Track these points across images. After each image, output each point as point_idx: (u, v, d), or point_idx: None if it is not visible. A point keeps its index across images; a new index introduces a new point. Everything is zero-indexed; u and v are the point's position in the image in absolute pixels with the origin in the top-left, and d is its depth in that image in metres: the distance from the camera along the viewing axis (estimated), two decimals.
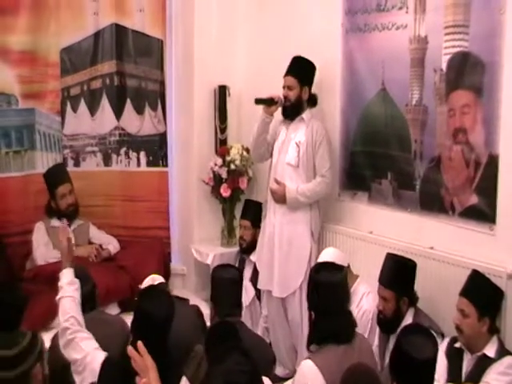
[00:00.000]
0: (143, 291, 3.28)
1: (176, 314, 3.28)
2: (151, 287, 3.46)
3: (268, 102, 4.47)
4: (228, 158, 5.10)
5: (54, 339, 3.55)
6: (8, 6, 5.08)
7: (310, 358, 3.05)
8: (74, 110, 5.53)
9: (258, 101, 4.51)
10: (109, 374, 3.05)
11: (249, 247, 4.86)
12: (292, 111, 4.44)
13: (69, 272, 3.41)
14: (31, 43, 5.22)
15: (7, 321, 3.23)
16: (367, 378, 2.69)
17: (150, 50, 5.54)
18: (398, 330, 3.52)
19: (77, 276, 3.62)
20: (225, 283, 3.50)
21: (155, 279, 3.93)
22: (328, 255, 3.99)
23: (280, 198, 4.39)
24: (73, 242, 3.80)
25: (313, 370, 2.98)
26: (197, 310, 3.86)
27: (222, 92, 5.27)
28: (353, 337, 3.11)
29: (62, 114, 5.49)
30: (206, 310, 3.96)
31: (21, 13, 5.14)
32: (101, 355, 3.11)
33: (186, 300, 4.79)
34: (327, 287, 3.12)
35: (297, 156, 4.38)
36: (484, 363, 3.19)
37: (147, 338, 2.97)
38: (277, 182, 4.42)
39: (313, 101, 4.48)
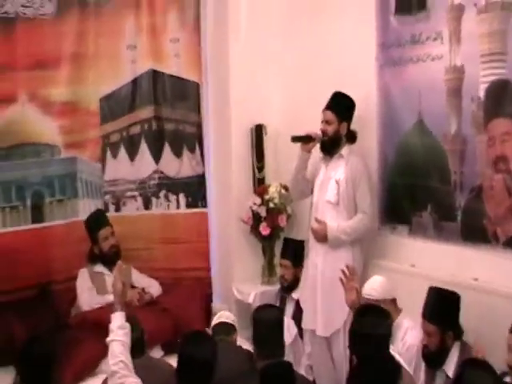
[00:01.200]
0: (186, 335, 3.30)
1: (226, 356, 3.30)
2: (194, 332, 3.43)
3: (305, 140, 4.49)
4: (266, 197, 5.12)
5: None
6: (50, 60, 5.18)
7: None
8: (114, 156, 5.59)
9: (295, 138, 4.53)
10: None
11: (290, 286, 4.82)
12: (330, 146, 4.43)
13: (120, 315, 3.42)
14: (72, 94, 5.32)
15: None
16: None
17: (187, 93, 5.60)
18: (444, 365, 3.53)
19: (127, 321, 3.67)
20: (267, 325, 3.48)
21: (222, 316, 3.98)
22: (375, 283, 3.96)
23: (321, 237, 4.37)
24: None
25: None
26: (248, 354, 3.80)
27: (258, 131, 5.32)
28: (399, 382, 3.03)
29: (103, 160, 5.55)
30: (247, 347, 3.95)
31: (61, 66, 5.24)
32: None
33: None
34: (371, 338, 3.04)
35: (336, 193, 4.35)
36: None
37: (190, 381, 3.04)
38: (317, 221, 4.39)
39: (352, 137, 4.45)
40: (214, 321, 3.96)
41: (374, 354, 3.02)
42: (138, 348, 3.63)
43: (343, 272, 3.81)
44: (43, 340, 3.50)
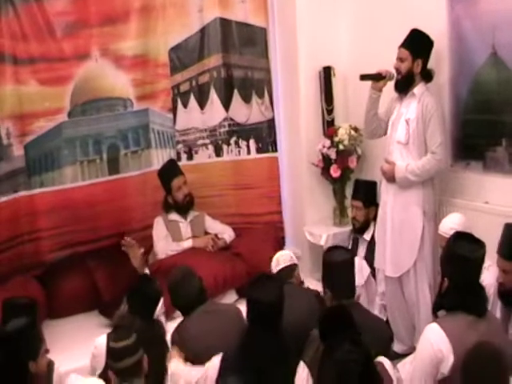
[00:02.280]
0: (252, 279, 3.36)
1: (294, 298, 3.42)
2: (259, 275, 3.46)
3: (374, 78, 4.45)
4: (336, 139, 5.09)
5: (173, 336, 3.69)
6: (119, 15, 5.25)
7: (436, 322, 3.00)
8: (185, 105, 5.64)
9: (364, 76, 4.49)
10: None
11: (362, 227, 4.85)
12: (403, 84, 4.33)
13: None
14: (142, 47, 5.38)
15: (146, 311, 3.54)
16: (492, 361, 2.58)
17: (254, 39, 5.58)
18: None
19: (181, 276, 3.85)
20: (338, 266, 3.47)
21: (279, 262, 3.99)
22: (454, 223, 3.89)
23: (390, 178, 4.34)
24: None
25: (438, 333, 2.92)
26: (316, 295, 3.85)
27: (327, 73, 5.25)
28: (484, 313, 3.03)
29: (174, 110, 5.62)
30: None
31: (130, 19, 5.29)
32: None
33: (301, 282, 4.84)
34: (468, 262, 3.04)
35: (406, 133, 4.28)
36: None
37: (260, 324, 3.14)
38: (387, 161, 4.35)
39: (428, 75, 4.33)
40: (274, 268, 3.99)
41: (468, 275, 3.02)
42: (199, 296, 3.74)
43: None
44: (152, 280, 3.75)
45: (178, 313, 4.31)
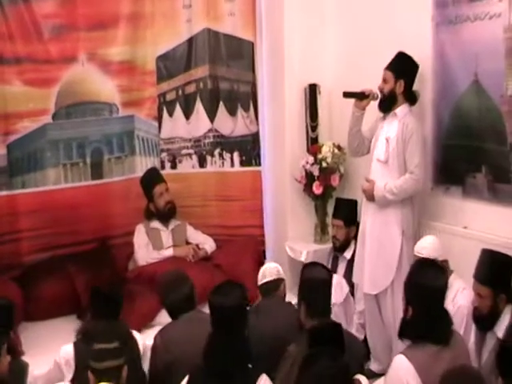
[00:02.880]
0: (216, 286, 3.41)
1: (276, 312, 3.47)
2: (224, 282, 3.54)
3: (357, 96, 4.48)
4: (320, 156, 5.09)
5: (156, 338, 3.70)
6: (108, 21, 5.28)
7: (403, 354, 3.03)
8: (170, 114, 5.68)
9: (347, 94, 4.53)
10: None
11: (342, 246, 4.86)
12: (385, 104, 4.37)
13: None
14: (129, 54, 5.40)
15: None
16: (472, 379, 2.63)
17: (242, 52, 5.60)
18: (495, 327, 3.44)
19: (175, 278, 3.86)
20: (316, 283, 3.48)
21: (279, 270, 4.01)
22: (427, 243, 3.95)
23: (370, 196, 4.35)
24: None
25: (407, 366, 2.96)
26: (293, 309, 3.84)
27: (312, 90, 5.25)
28: (450, 338, 3.07)
29: (159, 119, 5.66)
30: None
31: (119, 26, 5.32)
32: None
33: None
34: (430, 291, 3.08)
35: (386, 151, 4.31)
36: None
37: (222, 329, 3.17)
38: (367, 180, 4.38)
39: (412, 97, 4.37)
40: (260, 281, 3.98)
41: (431, 304, 3.05)
42: (188, 303, 3.77)
43: None
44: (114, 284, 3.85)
45: (159, 319, 4.49)
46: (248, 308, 3.57)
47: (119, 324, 3.62)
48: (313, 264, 3.76)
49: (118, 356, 2.99)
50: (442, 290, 3.13)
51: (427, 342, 3.02)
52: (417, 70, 4.36)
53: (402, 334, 3.19)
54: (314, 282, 3.48)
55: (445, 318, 3.13)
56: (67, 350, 3.51)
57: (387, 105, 4.36)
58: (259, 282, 3.97)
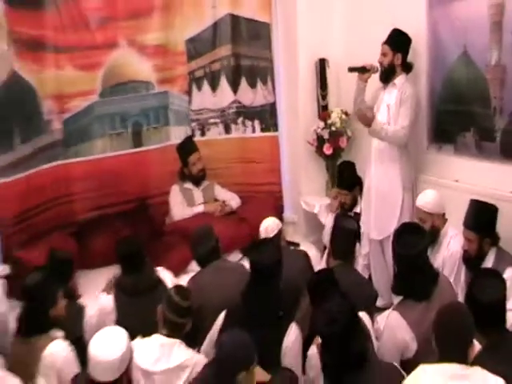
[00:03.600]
0: (253, 244, 3.41)
1: (287, 259, 3.37)
2: (261, 240, 3.54)
3: (360, 70, 4.45)
4: (329, 121, 5.10)
5: (188, 284, 3.71)
6: (143, 10, 5.28)
7: (396, 310, 3.09)
8: (199, 89, 5.65)
9: (351, 69, 4.49)
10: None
11: (351, 207, 4.80)
12: (385, 75, 4.36)
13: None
14: (163, 38, 5.40)
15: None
16: (464, 315, 2.60)
17: (259, 33, 5.52)
18: (482, 266, 3.51)
19: (201, 234, 3.86)
20: (343, 232, 3.58)
21: (276, 222, 4.06)
22: (430, 199, 3.96)
23: (366, 122, 4.27)
24: None
25: (399, 322, 3.01)
26: (304, 255, 3.91)
27: (322, 64, 5.24)
28: (431, 293, 3.07)
29: (189, 93, 5.63)
30: (312, 252, 4.07)
31: (153, 14, 5.32)
32: None
33: (297, 244, 4.84)
34: (408, 257, 3.11)
35: (387, 116, 4.31)
36: None
37: (260, 284, 3.11)
38: (372, 110, 4.36)
39: (408, 67, 4.37)
40: (269, 234, 3.98)
41: (409, 269, 3.10)
42: (214, 253, 3.80)
43: None
44: (133, 239, 3.79)
45: (192, 267, 4.45)
46: None
47: (146, 275, 3.65)
48: (344, 216, 3.89)
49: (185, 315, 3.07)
50: (420, 254, 3.13)
51: (411, 298, 3.06)
52: (410, 43, 4.34)
53: (394, 290, 3.26)
54: (342, 230, 3.58)
55: (427, 276, 3.13)
56: (107, 301, 3.56)
57: (387, 76, 4.35)
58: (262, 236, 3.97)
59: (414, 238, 3.15)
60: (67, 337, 3.13)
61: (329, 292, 2.84)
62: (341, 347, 2.49)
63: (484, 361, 2.50)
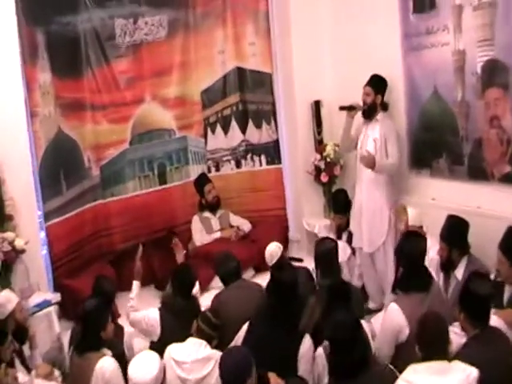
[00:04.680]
0: (277, 264, 3.50)
1: None
2: (283, 262, 3.65)
3: (348, 108, 4.55)
4: (325, 154, 5.19)
5: (213, 301, 3.78)
6: (165, 69, 5.46)
7: (395, 302, 3.16)
8: (213, 132, 5.76)
9: (342, 108, 4.61)
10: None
11: (345, 227, 4.84)
12: (368, 112, 4.46)
13: (136, 284, 3.85)
14: (181, 91, 5.55)
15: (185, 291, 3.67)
16: (437, 322, 2.70)
17: (263, 82, 5.65)
18: (456, 272, 3.62)
19: (225, 257, 3.94)
20: (326, 253, 3.61)
21: (279, 247, 4.13)
22: (412, 211, 4.06)
23: (368, 163, 4.30)
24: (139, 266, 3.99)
25: (397, 311, 3.09)
26: (307, 271, 3.94)
27: (317, 105, 5.35)
28: (429, 289, 3.16)
29: (205, 136, 5.74)
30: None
31: (173, 72, 5.49)
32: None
33: (301, 259, 4.88)
34: (414, 256, 3.21)
35: (374, 148, 4.40)
36: None
37: (280, 298, 3.14)
38: (367, 151, 4.39)
39: (385, 106, 4.51)
40: (270, 262, 4.05)
41: (416, 265, 3.21)
42: (236, 274, 3.86)
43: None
44: (190, 268, 3.84)
45: (212, 285, 4.56)
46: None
47: (193, 302, 3.71)
48: (322, 238, 3.89)
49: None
50: (422, 255, 3.26)
51: (414, 291, 3.12)
52: (387, 85, 4.48)
53: (395, 289, 3.32)
54: (324, 251, 3.61)
55: (425, 273, 3.23)
56: (154, 315, 3.55)
57: (370, 113, 4.46)
58: (269, 263, 4.05)
59: (417, 240, 3.30)
60: (113, 354, 3.20)
61: (338, 306, 2.91)
62: (346, 352, 2.57)
63: (471, 347, 2.69)
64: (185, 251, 4.50)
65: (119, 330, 3.53)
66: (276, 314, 3.16)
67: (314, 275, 3.66)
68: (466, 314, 2.78)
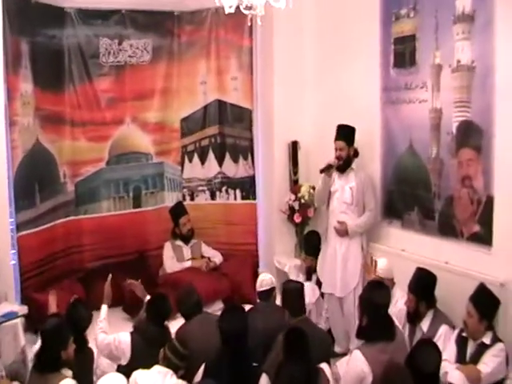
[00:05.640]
0: (223, 311, 3.41)
1: (268, 314, 3.51)
2: (231, 307, 3.56)
3: (327, 169, 4.50)
4: (299, 194, 5.19)
5: (175, 335, 3.63)
6: (147, 93, 5.52)
7: (359, 349, 3.19)
8: (190, 161, 5.81)
9: (322, 170, 4.53)
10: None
11: (314, 269, 4.81)
12: (344, 166, 4.51)
13: (104, 308, 3.84)
14: (161, 117, 5.61)
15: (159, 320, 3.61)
16: (400, 373, 2.75)
17: (242, 117, 5.68)
18: (421, 323, 3.67)
19: (186, 291, 3.86)
20: (293, 294, 3.63)
21: (262, 285, 4.02)
22: (383, 265, 4.08)
23: (343, 233, 4.47)
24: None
25: (361, 359, 3.12)
26: (280, 309, 3.84)
27: (294, 146, 5.38)
28: (392, 338, 3.20)
29: (182, 164, 5.79)
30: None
31: (155, 97, 5.56)
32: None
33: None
34: (379, 306, 3.25)
35: (351, 196, 4.47)
36: (482, 348, 3.28)
37: (228, 346, 3.13)
38: (339, 222, 4.47)
39: (356, 153, 4.54)
40: (258, 288, 4.02)
41: (379, 315, 3.22)
42: (197, 308, 3.82)
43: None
44: (166, 298, 3.76)
45: (179, 314, 4.32)
46: (247, 309, 3.60)
47: (163, 329, 3.65)
48: (289, 281, 3.93)
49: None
50: (386, 305, 3.29)
51: (378, 340, 3.15)
52: (355, 132, 4.47)
53: (359, 336, 3.34)
54: (291, 293, 3.62)
55: (389, 323, 3.26)
56: (125, 339, 3.50)
57: (346, 166, 4.50)
58: (258, 289, 4.02)
59: (382, 292, 3.32)
60: (75, 377, 3.12)
61: (299, 349, 2.92)
62: None
63: None
64: (142, 287, 4.33)
65: (89, 353, 3.47)
66: (228, 361, 3.15)
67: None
68: None
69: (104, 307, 3.84)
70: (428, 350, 2.84)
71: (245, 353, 3.16)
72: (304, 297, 3.68)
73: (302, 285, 3.83)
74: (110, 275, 4.06)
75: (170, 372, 3.13)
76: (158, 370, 3.12)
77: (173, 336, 3.69)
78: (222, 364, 3.16)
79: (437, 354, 2.84)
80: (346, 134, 4.49)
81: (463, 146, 3.91)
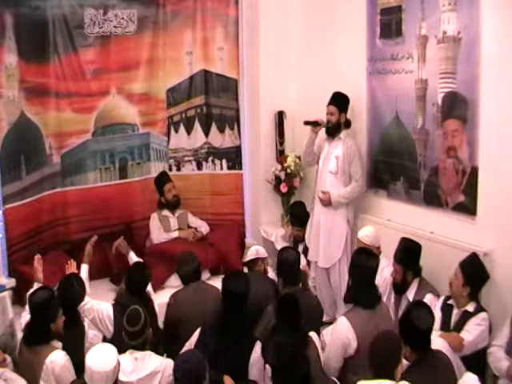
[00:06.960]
0: (228, 273, 3.42)
1: (255, 283, 3.44)
2: (234, 271, 3.59)
3: (314, 124, 4.55)
4: (285, 164, 5.20)
5: (171, 298, 3.74)
6: (132, 64, 5.39)
7: (345, 316, 3.21)
8: (176, 131, 5.71)
9: (306, 122, 4.61)
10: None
11: (301, 239, 4.89)
12: (333, 131, 4.49)
13: (85, 267, 3.88)
14: (147, 87, 5.49)
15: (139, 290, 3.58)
16: (389, 342, 2.73)
17: (228, 87, 5.62)
18: (407, 293, 3.69)
19: (187, 257, 3.86)
20: (288, 262, 3.61)
21: (259, 251, 4.07)
22: (369, 233, 4.09)
23: (327, 203, 4.48)
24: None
25: (346, 325, 3.15)
26: (273, 283, 3.90)
27: (280, 116, 5.37)
28: (376, 305, 3.23)
29: (168, 134, 5.69)
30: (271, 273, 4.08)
31: (140, 67, 5.43)
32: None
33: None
34: (364, 269, 3.25)
35: (336, 166, 4.46)
36: (466, 317, 3.33)
37: (230, 306, 3.15)
38: (323, 192, 4.48)
39: (348, 124, 4.54)
40: (243, 259, 4.04)
41: (365, 279, 3.25)
42: (196, 275, 3.85)
43: None
44: (143, 267, 3.76)
45: (167, 283, 4.56)
46: None
47: (143, 298, 3.63)
48: (285, 248, 3.90)
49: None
50: (373, 269, 3.30)
51: (361, 306, 3.16)
52: (349, 103, 4.49)
53: (346, 299, 3.38)
54: (287, 261, 3.61)
55: (373, 290, 3.28)
56: (108, 312, 3.50)
57: (334, 131, 4.49)
58: (243, 260, 4.04)
59: (369, 257, 3.34)
60: (65, 349, 3.12)
61: (291, 317, 2.94)
62: (287, 375, 2.59)
63: (413, 372, 2.75)
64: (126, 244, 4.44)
65: (81, 328, 3.43)
66: (227, 322, 3.16)
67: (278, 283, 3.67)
68: (405, 343, 2.78)
69: (84, 266, 3.85)
70: (422, 309, 2.88)
71: (243, 316, 3.18)
72: (299, 266, 3.68)
73: (299, 254, 3.82)
74: (96, 236, 4.09)
75: (146, 354, 3.06)
76: (135, 356, 3.04)
77: (158, 304, 3.77)
78: (218, 327, 3.16)
79: (430, 314, 2.88)
80: (338, 100, 4.49)
81: (448, 116, 3.91)
